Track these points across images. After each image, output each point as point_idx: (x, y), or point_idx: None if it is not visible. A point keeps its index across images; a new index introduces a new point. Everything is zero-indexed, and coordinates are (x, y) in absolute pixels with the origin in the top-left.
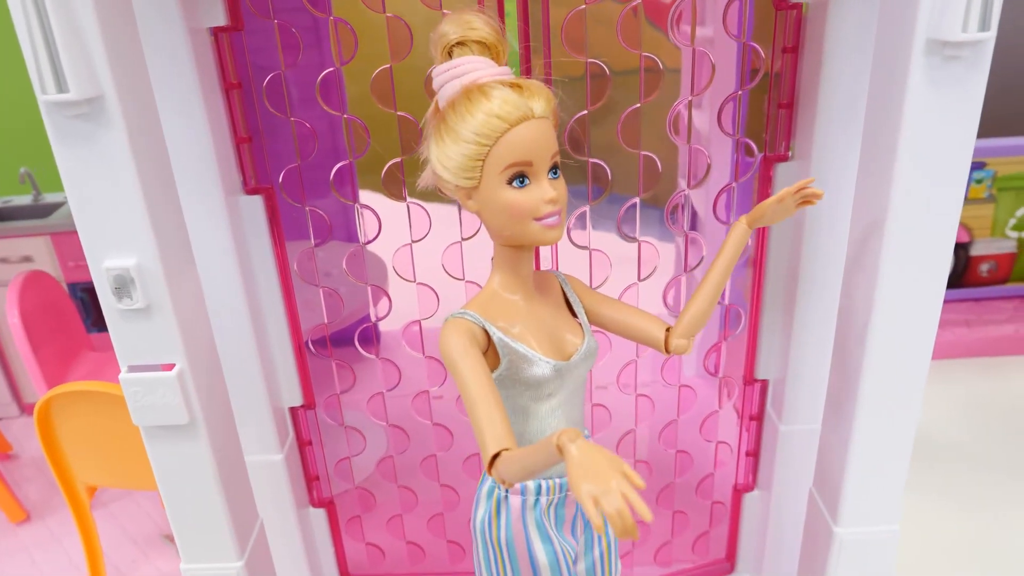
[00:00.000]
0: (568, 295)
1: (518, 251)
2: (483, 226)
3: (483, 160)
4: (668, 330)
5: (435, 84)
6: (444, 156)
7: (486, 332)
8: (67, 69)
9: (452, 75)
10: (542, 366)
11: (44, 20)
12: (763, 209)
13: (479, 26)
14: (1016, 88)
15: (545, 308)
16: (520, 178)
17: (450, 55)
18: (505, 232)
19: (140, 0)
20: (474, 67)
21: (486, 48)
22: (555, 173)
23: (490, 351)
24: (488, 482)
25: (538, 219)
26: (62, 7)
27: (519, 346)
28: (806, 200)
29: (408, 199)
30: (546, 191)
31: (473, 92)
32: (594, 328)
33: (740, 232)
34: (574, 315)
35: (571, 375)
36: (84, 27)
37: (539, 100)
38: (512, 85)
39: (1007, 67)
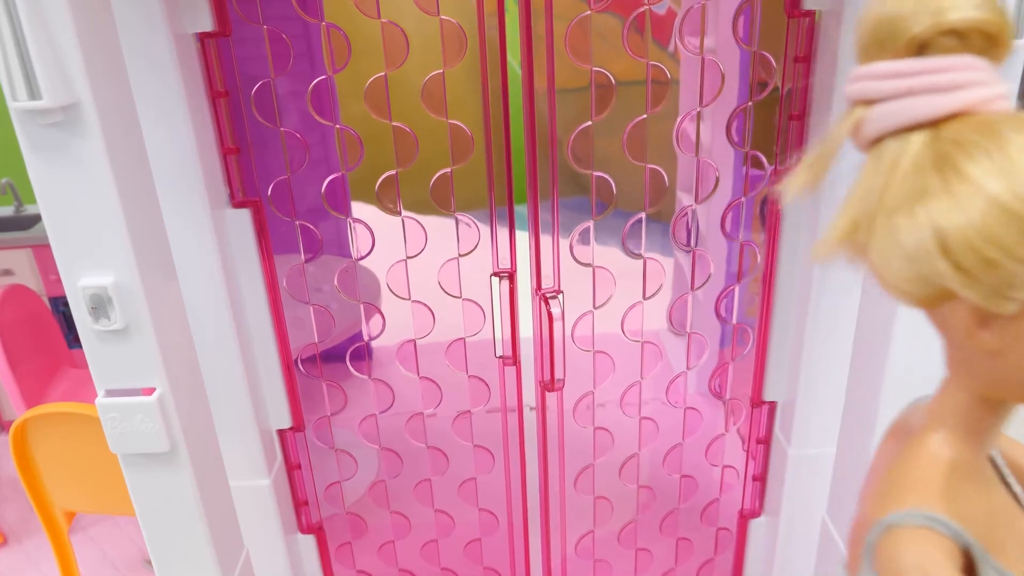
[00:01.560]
0: (1000, 468)
1: (1000, 408)
2: (954, 365)
3: None
4: None
5: (867, 91)
6: (950, 239)
7: (962, 550)
8: (40, 74)
9: (932, 84)
10: None
11: (15, 22)
12: None
13: (980, 1)
14: None
15: (998, 492)
16: None
17: (921, 50)
18: None
19: (121, 2)
20: (980, 79)
21: (991, 43)
22: None
23: None
24: None
25: None
26: (35, 8)
27: None
28: None
29: (403, 213)
30: None
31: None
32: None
33: None
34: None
35: None
36: (58, 30)
37: None
38: None
39: None
